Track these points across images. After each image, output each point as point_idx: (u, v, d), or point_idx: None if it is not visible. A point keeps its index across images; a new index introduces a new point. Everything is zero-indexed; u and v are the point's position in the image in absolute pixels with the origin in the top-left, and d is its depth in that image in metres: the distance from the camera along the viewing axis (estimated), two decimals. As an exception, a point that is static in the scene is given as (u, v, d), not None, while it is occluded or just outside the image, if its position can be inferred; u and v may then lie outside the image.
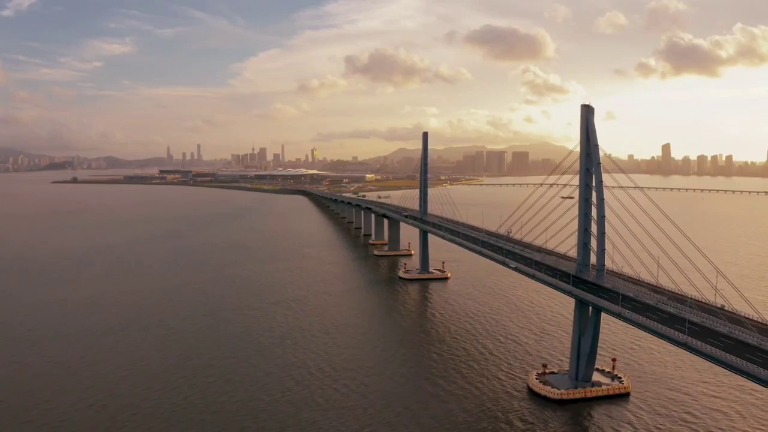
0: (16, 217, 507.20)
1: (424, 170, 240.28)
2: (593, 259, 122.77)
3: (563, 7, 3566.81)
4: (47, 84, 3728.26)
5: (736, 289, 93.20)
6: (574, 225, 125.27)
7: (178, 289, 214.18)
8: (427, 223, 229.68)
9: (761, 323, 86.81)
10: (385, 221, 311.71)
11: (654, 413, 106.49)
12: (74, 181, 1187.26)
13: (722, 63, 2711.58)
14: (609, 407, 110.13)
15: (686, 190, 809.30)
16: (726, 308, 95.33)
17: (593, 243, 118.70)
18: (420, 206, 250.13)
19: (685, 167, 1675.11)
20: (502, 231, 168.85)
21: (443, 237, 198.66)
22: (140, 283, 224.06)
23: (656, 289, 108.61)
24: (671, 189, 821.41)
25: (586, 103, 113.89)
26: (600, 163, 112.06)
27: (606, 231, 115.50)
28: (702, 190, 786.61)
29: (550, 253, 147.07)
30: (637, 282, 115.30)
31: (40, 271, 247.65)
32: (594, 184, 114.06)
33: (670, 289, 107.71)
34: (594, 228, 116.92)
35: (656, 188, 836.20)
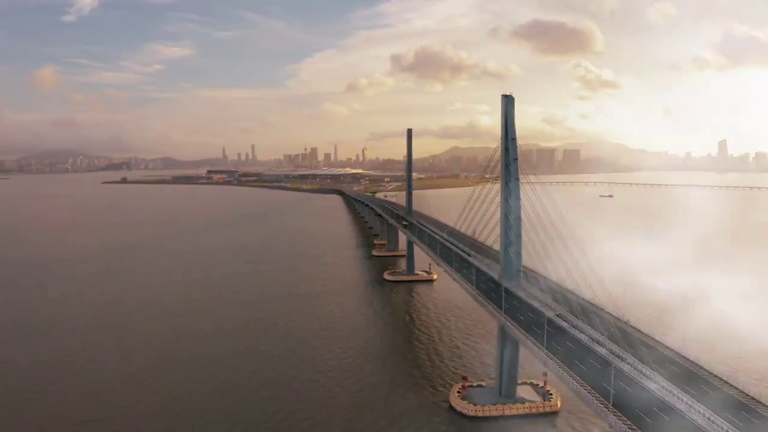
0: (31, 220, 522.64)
1: (408, 169, 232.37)
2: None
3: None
4: (108, 87, 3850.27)
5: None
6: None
7: (163, 287, 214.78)
8: (400, 220, 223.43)
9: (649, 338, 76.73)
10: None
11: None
12: (123, 181, 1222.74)
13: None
14: (527, 427, 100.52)
15: (735, 187, 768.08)
16: (630, 322, 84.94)
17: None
18: (406, 205, 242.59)
19: (742, 164, 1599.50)
20: (470, 230, 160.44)
21: (404, 233, 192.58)
22: (123, 284, 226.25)
23: (569, 298, 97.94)
24: (720, 187, 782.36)
25: (507, 93, 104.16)
26: (516, 159, 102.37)
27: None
28: (752, 189, 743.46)
29: (489, 254, 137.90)
30: (554, 289, 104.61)
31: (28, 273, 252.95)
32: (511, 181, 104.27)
33: (589, 300, 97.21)
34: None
35: (702, 186, 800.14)
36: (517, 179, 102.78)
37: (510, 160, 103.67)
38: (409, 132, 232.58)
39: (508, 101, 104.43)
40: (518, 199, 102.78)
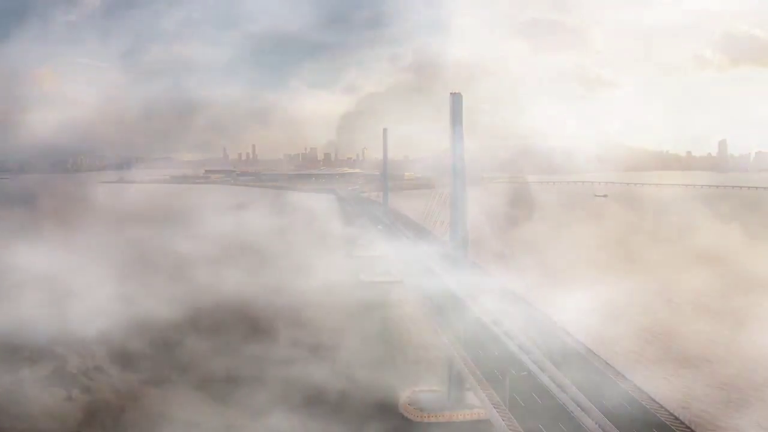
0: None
1: (385, 169, 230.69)
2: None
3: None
4: (110, 87, 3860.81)
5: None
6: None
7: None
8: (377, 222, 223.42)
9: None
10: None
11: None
12: (121, 181, 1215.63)
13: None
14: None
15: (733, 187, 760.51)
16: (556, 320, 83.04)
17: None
18: (383, 204, 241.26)
19: (742, 163, 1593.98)
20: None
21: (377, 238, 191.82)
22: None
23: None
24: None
25: (455, 91, 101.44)
26: (462, 157, 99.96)
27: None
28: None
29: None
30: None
31: None
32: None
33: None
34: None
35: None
36: (464, 180, 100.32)
37: (458, 159, 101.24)
38: (385, 132, 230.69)
39: (456, 99, 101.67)
40: (465, 199, 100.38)
